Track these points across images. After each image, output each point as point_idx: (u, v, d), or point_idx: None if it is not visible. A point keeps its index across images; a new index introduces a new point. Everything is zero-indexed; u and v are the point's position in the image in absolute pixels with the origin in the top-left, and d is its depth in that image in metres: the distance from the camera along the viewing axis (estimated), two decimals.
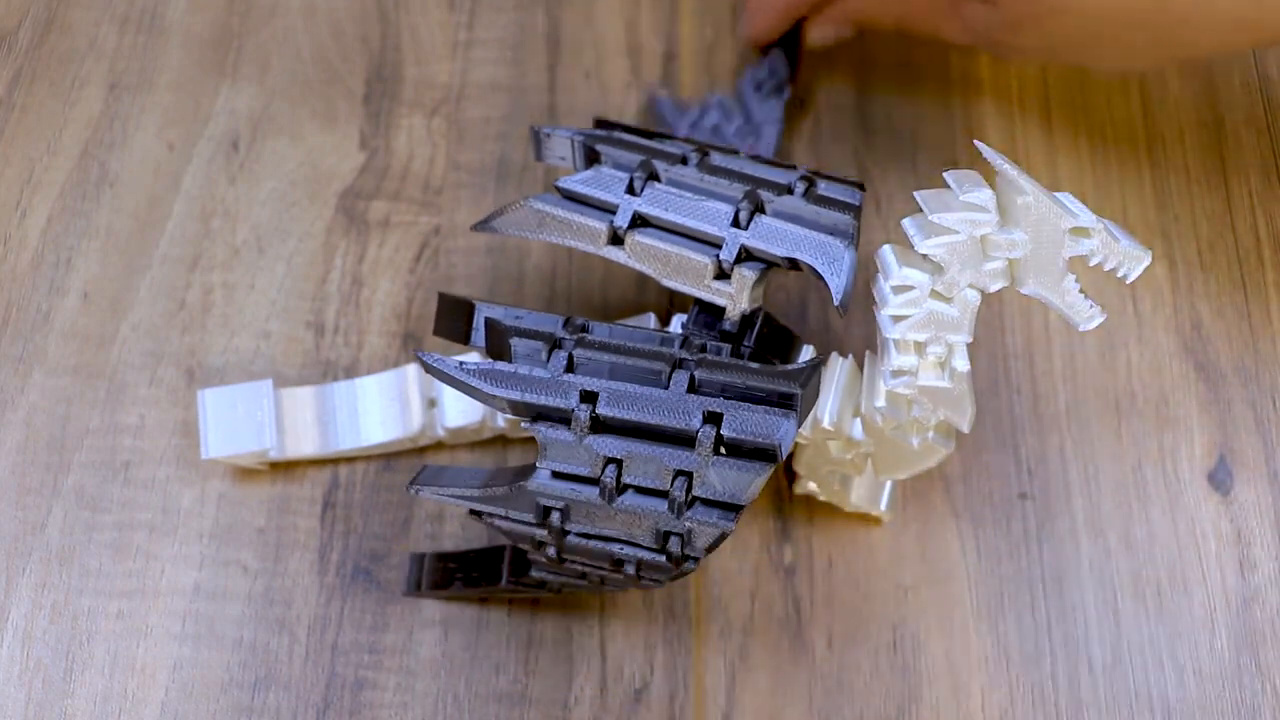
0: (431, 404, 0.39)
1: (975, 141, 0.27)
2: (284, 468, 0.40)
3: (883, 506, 0.38)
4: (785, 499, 0.39)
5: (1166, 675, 0.36)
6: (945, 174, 0.28)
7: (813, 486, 0.38)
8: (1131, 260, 0.29)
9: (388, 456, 0.40)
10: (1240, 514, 0.38)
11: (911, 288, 0.29)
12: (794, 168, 0.34)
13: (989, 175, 0.28)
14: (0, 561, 0.39)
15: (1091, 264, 0.29)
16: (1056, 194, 0.28)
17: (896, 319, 0.30)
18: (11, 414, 0.41)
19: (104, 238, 0.44)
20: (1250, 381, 0.39)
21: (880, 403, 0.32)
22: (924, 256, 0.29)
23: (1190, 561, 0.37)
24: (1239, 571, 0.37)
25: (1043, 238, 0.28)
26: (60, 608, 0.38)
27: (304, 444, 0.40)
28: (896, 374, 0.31)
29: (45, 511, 0.40)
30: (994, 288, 0.30)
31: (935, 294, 0.30)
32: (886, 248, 0.30)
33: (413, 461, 0.40)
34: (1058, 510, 0.38)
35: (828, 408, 0.33)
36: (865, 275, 0.42)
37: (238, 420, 0.39)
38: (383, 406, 0.40)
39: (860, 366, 0.34)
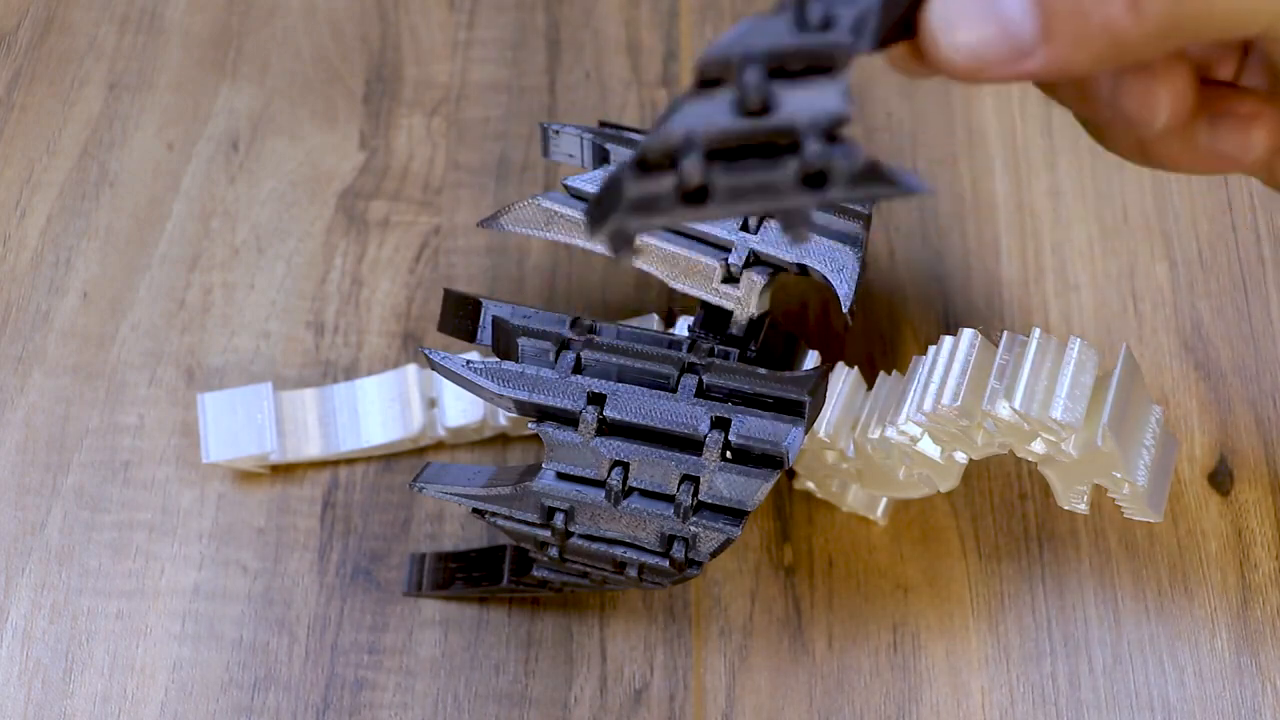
0: (432, 404, 0.39)
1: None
2: (284, 468, 0.40)
3: (879, 513, 0.38)
4: (785, 499, 0.39)
5: (1166, 675, 0.36)
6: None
7: (811, 485, 0.38)
8: (1140, 514, 0.32)
9: (388, 457, 0.40)
10: (1240, 514, 0.38)
11: (909, 435, 0.32)
12: None
13: None
14: (0, 561, 0.39)
15: (1111, 496, 0.31)
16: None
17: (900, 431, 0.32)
18: (11, 414, 0.41)
19: (104, 238, 0.44)
20: (1250, 381, 0.40)
21: (874, 436, 0.32)
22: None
23: (1190, 561, 0.37)
24: (1239, 571, 0.37)
25: (1089, 462, 0.30)
26: (60, 608, 0.38)
27: (305, 446, 0.39)
28: (900, 434, 0.32)
29: (45, 511, 0.40)
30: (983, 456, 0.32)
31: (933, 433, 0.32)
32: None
33: (413, 461, 0.40)
34: (1058, 510, 0.38)
35: (826, 419, 0.33)
36: (871, 275, 0.42)
37: (238, 424, 0.39)
38: (383, 407, 0.40)
39: (864, 378, 0.34)
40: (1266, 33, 0.22)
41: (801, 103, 0.19)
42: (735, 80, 0.19)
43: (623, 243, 0.20)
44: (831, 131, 0.19)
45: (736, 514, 0.29)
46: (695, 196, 0.19)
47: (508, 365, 0.30)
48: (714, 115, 0.19)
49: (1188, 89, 0.25)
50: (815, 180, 0.19)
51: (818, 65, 0.19)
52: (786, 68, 0.19)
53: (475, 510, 0.32)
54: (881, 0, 0.21)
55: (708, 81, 0.20)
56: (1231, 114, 0.26)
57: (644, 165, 0.19)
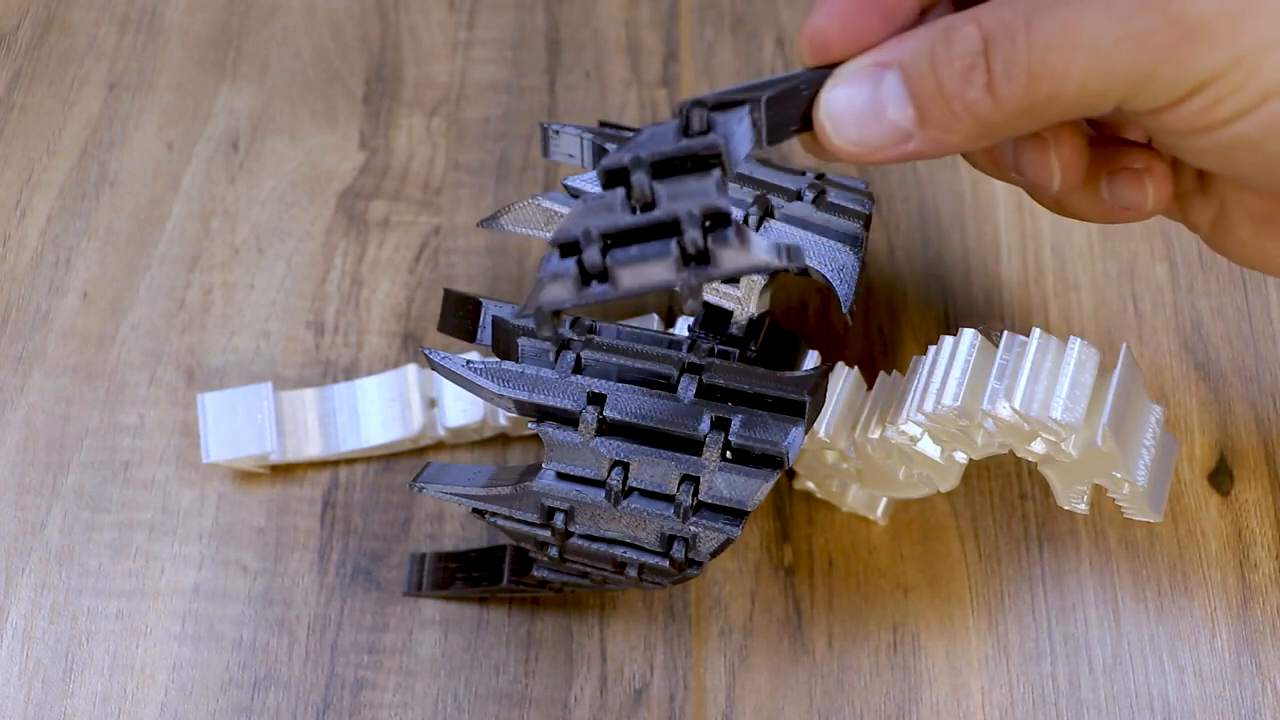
0: (432, 404, 0.39)
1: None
2: (284, 468, 0.40)
3: (879, 513, 0.38)
4: (785, 499, 0.39)
5: (1166, 675, 0.36)
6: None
7: (811, 485, 0.38)
8: (1140, 514, 0.31)
9: (388, 457, 0.40)
10: (1240, 514, 0.38)
11: (909, 435, 0.32)
12: (803, 173, 0.34)
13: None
14: (0, 561, 0.39)
15: (1111, 496, 0.31)
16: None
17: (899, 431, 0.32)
18: (11, 414, 0.41)
19: (104, 238, 0.44)
20: (1250, 381, 0.40)
21: (874, 436, 0.32)
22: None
23: (1190, 561, 0.37)
24: (1239, 571, 0.37)
25: (1089, 462, 0.30)
26: (60, 608, 0.38)
27: (305, 446, 0.39)
28: (900, 434, 0.32)
29: (45, 511, 0.40)
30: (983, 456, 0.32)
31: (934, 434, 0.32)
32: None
33: (413, 461, 0.40)
34: (1058, 510, 0.38)
35: (826, 419, 0.33)
36: (871, 275, 0.42)
37: (238, 424, 0.39)
38: (383, 407, 0.40)
39: (864, 378, 0.34)
40: (1121, 108, 0.24)
41: (681, 197, 0.23)
42: (627, 181, 0.23)
43: (544, 318, 0.24)
44: (706, 219, 0.22)
45: (736, 514, 0.29)
46: (599, 278, 0.23)
47: (508, 365, 0.30)
48: (610, 211, 0.23)
49: (1077, 155, 0.28)
50: (700, 259, 0.23)
51: (703, 163, 0.23)
52: (673, 167, 0.23)
53: (475, 510, 0.32)
54: (765, 104, 0.24)
55: (610, 182, 0.23)
56: (1126, 169, 0.29)
57: (560, 252, 0.23)
